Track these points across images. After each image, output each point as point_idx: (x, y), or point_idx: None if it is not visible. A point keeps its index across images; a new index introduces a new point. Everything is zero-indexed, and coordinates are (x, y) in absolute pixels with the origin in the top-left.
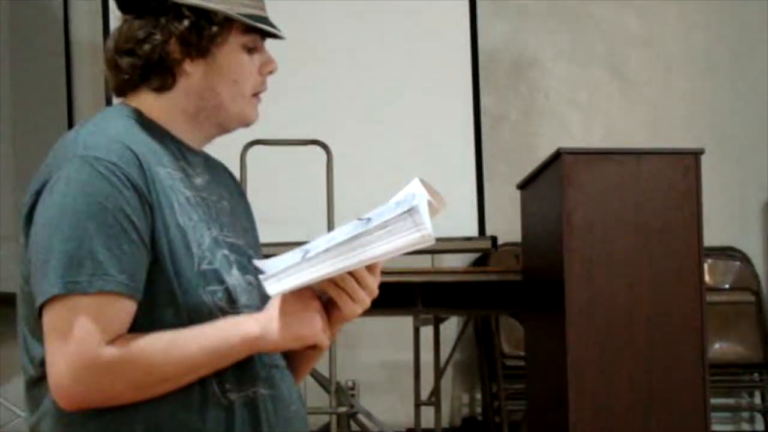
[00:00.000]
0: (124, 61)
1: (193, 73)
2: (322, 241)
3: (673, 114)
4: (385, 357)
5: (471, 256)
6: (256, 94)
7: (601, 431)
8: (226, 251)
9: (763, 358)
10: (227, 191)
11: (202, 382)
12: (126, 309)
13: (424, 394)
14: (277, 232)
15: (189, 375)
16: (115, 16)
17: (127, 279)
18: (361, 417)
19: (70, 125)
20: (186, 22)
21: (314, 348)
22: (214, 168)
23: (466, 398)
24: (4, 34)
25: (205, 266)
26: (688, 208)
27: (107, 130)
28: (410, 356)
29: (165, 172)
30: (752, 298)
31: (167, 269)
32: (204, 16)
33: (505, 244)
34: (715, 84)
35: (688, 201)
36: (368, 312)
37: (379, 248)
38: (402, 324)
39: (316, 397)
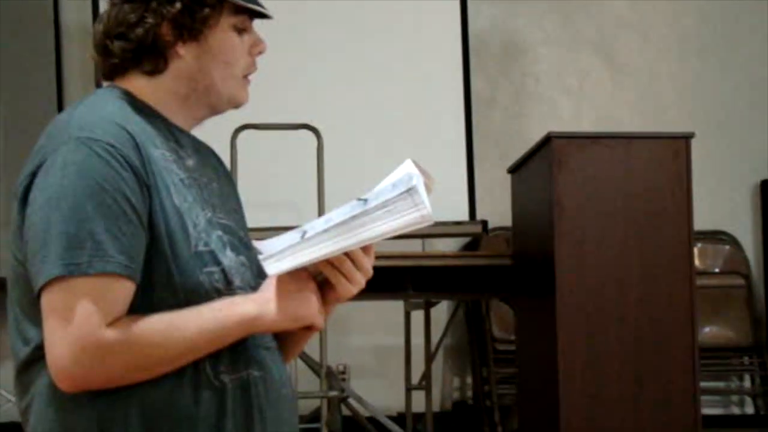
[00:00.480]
0: (115, 45)
1: (185, 55)
2: (320, 222)
3: (663, 98)
4: (375, 341)
5: (461, 241)
6: (246, 76)
7: (592, 415)
8: (219, 232)
9: (752, 342)
10: (215, 173)
11: (196, 364)
12: (126, 290)
13: (415, 379)
14: (268, 217)
15: (187, 356)
16: (105, 0)
17: (127, 260)
18: (351, 401)
19: (60, 109)
20: (178, 5)
21: (309, 329)
22: (202, 149)
23: (456, 382)
24: None
25: (201, 247)
26: (679, 191)
27: (101, 111)
28: (401, 340)
29: (159, 153)
30: (742, 282)
31: (165, 251)
32: None
33: (496, 228)
34: (705, 67)
35: (678, 185)
36: (359, 296)
37: (378, 228)
38: (393, 308)
39: (306, 381)
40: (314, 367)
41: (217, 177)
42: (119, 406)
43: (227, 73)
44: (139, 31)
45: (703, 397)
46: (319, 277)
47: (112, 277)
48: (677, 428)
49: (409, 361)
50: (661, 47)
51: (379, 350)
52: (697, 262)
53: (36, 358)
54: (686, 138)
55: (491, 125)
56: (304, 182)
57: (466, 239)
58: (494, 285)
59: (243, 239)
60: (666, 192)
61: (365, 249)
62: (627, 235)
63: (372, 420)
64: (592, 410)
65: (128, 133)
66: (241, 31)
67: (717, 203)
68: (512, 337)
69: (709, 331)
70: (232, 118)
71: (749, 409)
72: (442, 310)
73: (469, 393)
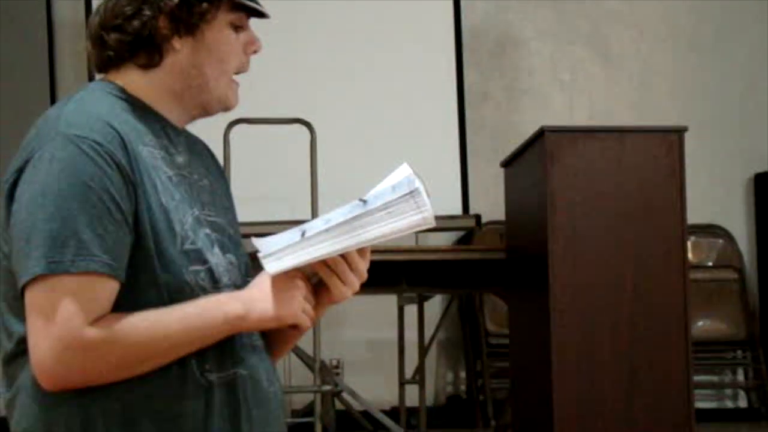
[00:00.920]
0: (111, 37)
1: (180, 50)
2: (319, 222)
3: (657, 92)
4: (369, 335)
5: (455, 235)
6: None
7: (585, 409)
8: (207, 230)
9: (746, 336)
10: (207, 170)
11: (182, 362)
12: (109, 289)
13: (409, 373)
14: (261, 211)
15: (171, 354)
16: None
17: (111, 259)
18: (345, 395)
19: (53, 102)
20: None
21: (295, 328)
22: (195, 146)
23: (450, 376)
24: None
25: (188, 246)
26: (672, 185)
27: (90, 107)
28: (394, 335)
29: (147, 150)
30: (735, 276)
31: (150, 249)
32: None
33: (489, 223)
34: (699, 61)
35: (672, 178)
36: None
37: (379, 229)
38: (386, 302)
39: (300, 375)
40: (308, 361)
41: (208, 174)
42: (102, 403)
43: (220, 71)
44: (136, 23)
45: (697, 391)
46: (313, 279)
47: (95, 275)
48: (671, 422)
49: (403, 356)
50: (654, 41)
51: (373, 344)
52: (690, 255)
53: (20, 351)
54: (679, 132)
55: (484, 119)
56: (297, 177)
57: (460, 233)
58: (488, 279)
59: (232, 237)
60: (659, 186)
61: (360, 251)
62: (620, 229)
63: (365, 414)
64: (585, 404)
65: (116, 131)
66: (237, 28)
67: (710, 197)
68: (506, 331)
69: (703, 325)
70: (226, 113)
71: (743, 403)
72: (435, 304)
73: (463, 387)
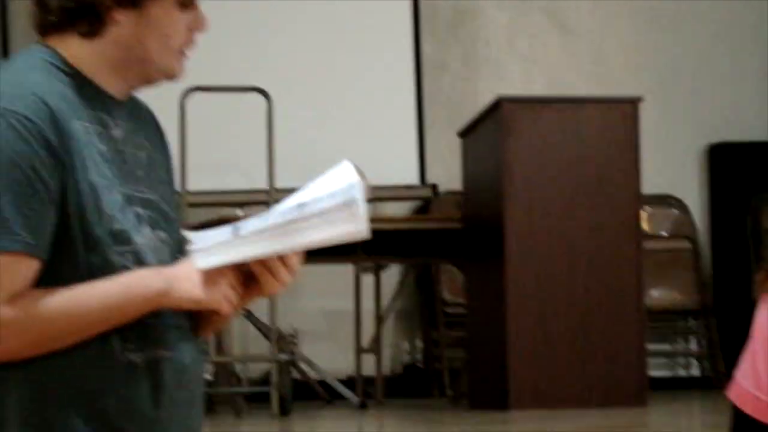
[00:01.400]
0: (53, 2)
1: (123, 22)
2: (254, 222)
3: (614, 63)
4: (326, 305)
5: (412, 204)
6: (183, 51)
7: (540, 377)
8: (138, 208)
9: (699, 305)
10: (149, 140)
11: (103, 340)
12: (29, 268)
13: (365, 342)
14: (217, 180)
15: (90, 330)
16: None
17: (33, 239)
18: (301, 364)
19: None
20: None
21: (216, 314)
22: (139, 114)
23: (406, 346)
24: None
25: (114, 226)
26: (627, 155)
27: (25, 78)
28: (351, 304)
29: (81, 126)
30: (689, 246)
31: (75, 229)
32: None
33: (446, 193)
34: (656, 33)
35: (627, 149)
36: (309, 260)
37: (313, 235)
38: (343, 272)
39: (256, 344)
40: (264, 331)
41: (149, 145)
42: (18, 379)
43: (164, 46)
44: None
45: (650, 359)
46: (244, 267)
47: (16, 255)
48: (624, 389)
49: (359, 325)
50: (611, 12)
51: (329, 314)
52: (645, 225)
53: None
54: (634, 102)
55: (441, 89)
56: (253, 145)
57: (417, 203)
58: (444, 249)
59: (166, 213)
60: (615, 156)
61: None
62: (576, 198)
63: (322, 383)
64: (540, 372)
65: (48, 107)
66: (184, 5)
67: (665, 168)
68: (462, 301)
69: (656, 294)
70: (182, 80)
71: (695, 371)
72: (392, 274)
73: (419, 356)
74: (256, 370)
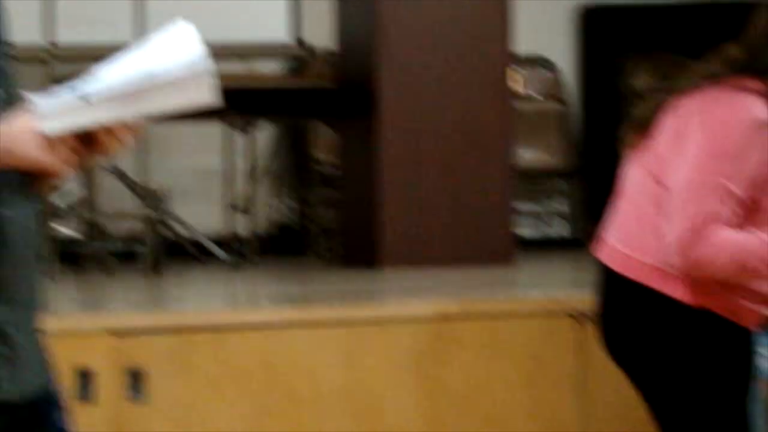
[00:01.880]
0: None
1: None
2: (100, 84)
3: None
4: (197, 163)
5: (287, 64)
6: None
7: (412, 235)
8: None
9: (567, 166)
10: None
11: None
12: None
13: (238, 201)
14: (84, 32)
15: None
16: None
17: None
18: (173, 223)
19: None
20: None
21: (49, 175)
22: None
23: (279, 206)
24: None
25: None
26: (499, 16)
27: None
28: (223, 163)
29: None
30: (560, 108)
31: None
32: None
33: (321, 52)
34: None
35: (498, 9)
36: (181, 117)
37: (161, 103)
38: (216, 130)
39: (127, 202)
40: (134, 188)
41: None
42: None
43: None
44: None
45: (519, 219)
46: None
47: None
48: (493, 248)
49: (232, 184)
50: None
51: (202, 173)
52: (517, 86)
53: None
54: None
55: None
56: None
57: (292, 62)
58: (318, 108)
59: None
60: (488, 16)
61: None
62: (449, 58)
63: (195, 243)
64: (412, 230)
65: None
66: None
67: (537, 28)
68: (335, 161)
69: (527, 155)
70: None
71: (562, 231)
72: (265, 134)
73: (292, 216)
74: (126, 228)
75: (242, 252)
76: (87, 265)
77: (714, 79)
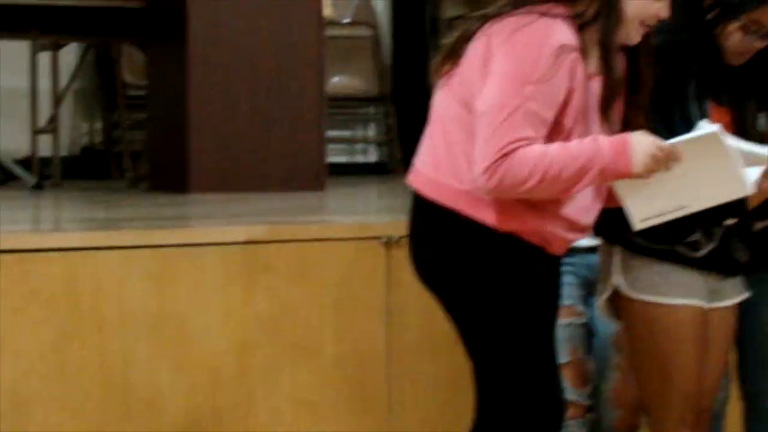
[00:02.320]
0: None
1: None
2: None
3: None
4: (2, 83)
5: None
6: None
7: (221, 161)
8: None
9: (378, 92)
10: None
11: None
12: None
13: (42, 123)
14: None
15: None
16: None
17: None
18: None
19: None
20: None
21: None
22: None
23: (85, 127)
24: None
25: None
26: None
27: None
28: (27, 83)
29: None
30: (370, 33)
31: None
32: None
33: None
34: None
35: None
36: None
37: None
38: (17, 49)
39: None
40: None
41: None
42: None
43: None
44: None
45: (330, 146)
46: None
47: None
48: (304, 175)
49: (36, 105)
50: None
51: (4, 92)
52: (327, 12)
53: None
54: None
55: None
56: None
57: None
58: (126, 28)
59: None
60: None
61: None
62: None
63: None
64: (221, 156)
65: None
66: None
67: None
68: (144, 83)
69: (338, 81)
70: None
71: (372, 157)
72: (70, 53)
73: (99, 138)
74: None
75: (47, 174)
76: None
77: (519, 5)
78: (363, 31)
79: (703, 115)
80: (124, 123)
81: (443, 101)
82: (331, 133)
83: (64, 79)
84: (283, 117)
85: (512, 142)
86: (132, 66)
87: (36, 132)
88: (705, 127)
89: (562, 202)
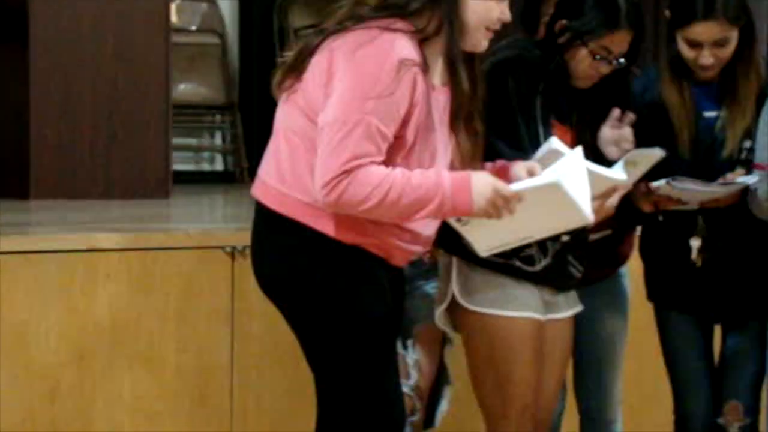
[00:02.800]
0: None
1: None
2: None
3: None
4: None
5: None
6: None
7: (63, 168)
8: None
9: (225, 101)
10: None
11: None
12: None
13: None
14: None
15: None
16: None
17: None
18: None
19: None
20: None
21: None
22: None
23: None
24: None
25: None
26: None
27: None
28: None
29: None
30: (217, 41)
31: None
32: None
33: None
34: None
35: None
36: None
37: None
38: None
39: None
40: None
41: None
42: None
43: None
44: None
45: (176, 154)
46: None
47: None
48: (149, 182)
49: None
50: None
51: None
52: (174, 18)
53: None
54: None
55: None
56: None
57: None
58: None
59: None
60: None
61: None
62: None
63: None
64: (63, 163)
65: None
66: None
67: None
68: None
69: (184, 89)
70: None
71: (219, 166)
72: None
73: None
74: None
75: None
76: None
77: (359, 20)
78: (210, 39)
79: (547, 132)
80: None
81: (288, 114)
82: (177, 141)
83: None
84: (128, 123)
85: (353, 158)
86: None
87: None
88: (555, 144)
89: None
